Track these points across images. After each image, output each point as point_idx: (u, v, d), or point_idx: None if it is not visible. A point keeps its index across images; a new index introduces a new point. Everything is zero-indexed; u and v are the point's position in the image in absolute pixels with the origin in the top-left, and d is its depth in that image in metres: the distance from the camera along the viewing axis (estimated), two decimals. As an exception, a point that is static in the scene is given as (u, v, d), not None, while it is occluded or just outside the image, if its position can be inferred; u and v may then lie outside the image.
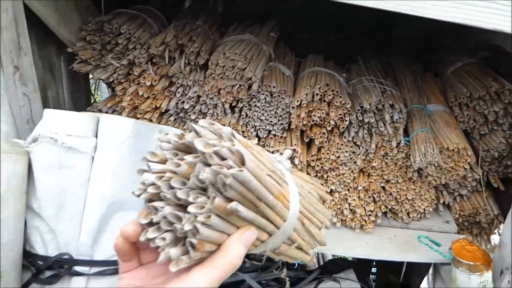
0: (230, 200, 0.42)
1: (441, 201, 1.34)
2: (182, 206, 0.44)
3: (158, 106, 1.21)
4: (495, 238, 1.44)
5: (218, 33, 1.36)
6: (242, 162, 0.44)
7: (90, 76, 1.24)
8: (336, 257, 2.38)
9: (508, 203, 1.11)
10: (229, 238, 0.44)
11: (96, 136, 0.94)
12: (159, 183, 0.45)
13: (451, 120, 1.31)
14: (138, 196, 0.48)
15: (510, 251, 1.05)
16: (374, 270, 2.45)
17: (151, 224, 0.45)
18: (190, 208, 0.42)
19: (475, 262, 1.05)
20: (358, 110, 1.20)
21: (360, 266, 2.22)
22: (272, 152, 0.56)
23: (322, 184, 1.23)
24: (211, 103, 1.20)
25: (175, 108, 1.21)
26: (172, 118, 1.23)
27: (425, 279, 1.58)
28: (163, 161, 0.48)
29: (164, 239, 0.44)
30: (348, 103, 1.18)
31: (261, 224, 0.48)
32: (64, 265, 0.89)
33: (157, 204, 0.45)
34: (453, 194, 1.34)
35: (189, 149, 0.49)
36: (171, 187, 0.44)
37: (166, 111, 1.22)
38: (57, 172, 0.89)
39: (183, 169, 0.45)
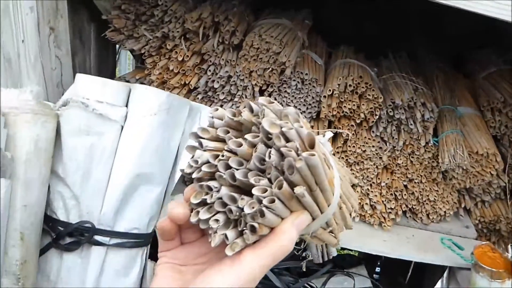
0: (292, 183, 0.41)
1: (462, 206, 1.32)
2: (236, 187, 0.43)
3: (187, 82, 1.19)
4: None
5: (252, 15, 1.33)
6: (311, 146, 0.42)
7: (122, 46, 1.21)
8: (344, 253, 2.37)
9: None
10: (283, 221, 0.42)
11: (127, 106, 0.92)
12: (215, 162, 0.44)
13: (482, 124, 1.28)
14: (189, 174, 0.46)
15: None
16: (378, 269, 2.44)
17: (200, 204, 0.44)
18: (254, 191, 0.40)
19: (497, 269, 1.03)
20: (390, 105, 1.17)
21: (366, 265, 2.22)
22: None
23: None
24: (241, 85, 1.18)
25: (204, 86, 1.19)
26: (200, 96, 1.21)
27: (438, 282, 1.57)
28: (214, 139, 0.46)
29: (217, 220, 0.43)
30: (380, 97, 1.15)
31: (313, 209, 0.46)
32: (84, 233, 0.89)
33: (212, 184, 0.44)
34: (475, 200, 1.32)
35: (240, 127, 0.47)
36: (228, 167, 0.43)
37: (195, 88, 1.20)
38: (85, 138, 0.88)
39: (244, 149, 0.43)
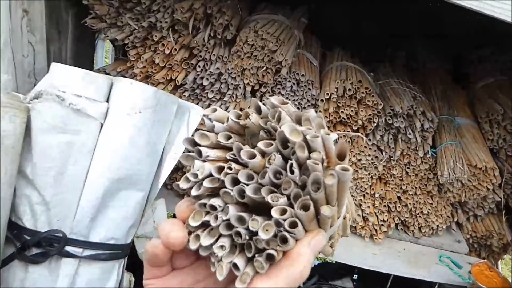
0: (313, 202, 0.34)
1: (455, 220, 1.27)
2: (242, 204, 0.36)
3: (173, 78, 1.09)
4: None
5: (246, 10, 1.25)
6: (342, 157, 0.35)
7: (104, 35, 1.11)
8: (322, 260, 2.31)
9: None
10: (299, 243, 0.35)
11: (108, 101, 0.83)
12: (220, 176, 0.36)
13: (479, 136, 1.24)
14: (186, 190, 0.38)
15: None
16: (355, 277, 2.40)
17: (200, 226, 0.37)
18: (274, 213, 0.33)
19: (494, 289, 0.98)
20: (389, 113, 1.11)
21: (344, 272, 2.16)
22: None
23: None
24: (232, 83, 1.10)
25: (192, 83, 1.10)
26: (186, 94, 1.11)
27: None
28: (214, 146, 0.39)
29: (223, 247, 0.35)
30: (380, 104, 1.09)
31: (327, 225, 0.39)
32: (54, 244, 0.78)
33: (215, 202, 0.36)
34: (467, 214, 1.28)
35: (243, 131, 0.40)
36: (236, 182, 0.36)
37: (182, 85, 1.11)
38: (59, 135, 0.78)
39: (257, 161, 0.36)
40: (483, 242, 1.29)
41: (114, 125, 0.80)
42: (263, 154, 0.37)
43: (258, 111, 0.40)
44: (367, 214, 1.17)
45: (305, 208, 0.35)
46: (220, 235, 0.37)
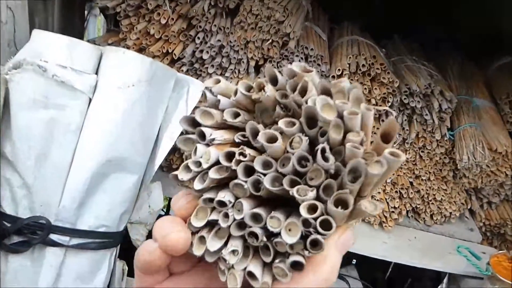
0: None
1: (469, 207, 1.20)
2: (255, 198, 0.29)
3: (170, 51, 1.00)
4: None
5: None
6: (388, 139, 0.27)
7: (94, 2, 1.01)
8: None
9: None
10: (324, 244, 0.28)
11: (97, 74, 0.73)
12: (229, 165, 0.29)
13: (498, 118, 1.15)
14: (186, 182, 0.30)
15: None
16: (354, 261, 2.35)
17: (204, 226, 0.30)
18: (303, 210, 0.26)
19: (514, 282, 0.92)
20: (405, 92, 1.03)
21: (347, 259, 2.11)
22: None
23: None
24: (234, 57, 1.00)
25: (190, 56, 1.01)
26: (184, 69, 1.02)
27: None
28: (219, 125, 0.31)
29: (235, 252, 0.28)
30: (396, 82, 1.00)
31: (356, 220, 0.31)
32: (37, 231, 0.70)
33: (223, 196, 0.28)
34: (481, 201, 1.20)
35: (252, 106, 0.32)
36: (249, 171, 0.28)
37: (179, 59, 1.01)
38: (42, 111, 0.69)
39: (279, 145, 0.28)
40: (496, 231, 1.22)
41: (104, 100, 0.71)
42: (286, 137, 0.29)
43: (274, 81, 0.31)
44: (377, 200, 1.09)
45: (342, 204, 0.27)
46: (230, 237, 0.29)
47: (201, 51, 1.00)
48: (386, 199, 1.11)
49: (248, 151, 0.29)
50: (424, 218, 1.17)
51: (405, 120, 1.06)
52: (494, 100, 1.21)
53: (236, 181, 0.28)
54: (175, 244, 0.28)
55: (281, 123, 0.29)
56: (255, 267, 0.28)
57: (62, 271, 0.73)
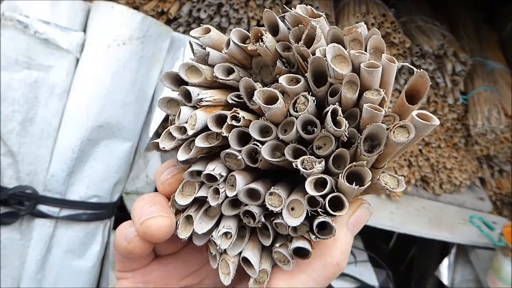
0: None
1: (479, 175, 1.16)
2: (249, 170, 0.25)
3: (165, 10, 0.93)
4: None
5: None
6: (416, 100, 0.24)
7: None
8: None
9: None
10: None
11: (85, 31, 0.67)
12: (219, 131, 0.24)
13: (513, 82, 1.09)
14: (166, 151, 0.25)
15: None
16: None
17: (192, 203, 0.26)
18: (309, 188, 0.22)
19: (530, 253, 0.88)
20: (416, 53, 0.96)
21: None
22: None
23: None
24: (234, 17, 0.94)
25: (187, 16, 0.94)
26: (181, 29, 0.95)
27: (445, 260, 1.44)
28: (209, 83, 0.27)
29: (227, 234, 0.25)
30: (408, 42, 0.93)
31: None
32: (25, 202, 0.66)
33: (213, 168, 0.24)
34: (493, 169, 1.16)
35: (248, 61, 0.27)
36: (244, 138, 0.24)
37: (175, 18, 0.95)
38: (24, 72, 0.64)
39: (280, 106, 0.22)
40: (506, 200, 1.18)
41: (92, 60, 0.65)
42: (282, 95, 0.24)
43: (274, 30, 0.26)
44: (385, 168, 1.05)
45: (356, 178, 0.22)
46: (222, 216, 0.24)
47: (199, 9, 0.93)
48: (394, 167, 1.06)
49: (242, 114, 0.23)
50: (433, 187, 1.12)
51: (416, 83, 1.00)
52: (510, 63, 1.14)
53: (228, 150, 0.24)
54: (155, 232, 0.23)
55: (282, 80, 0.23)
56: (251, 253, 0.24)
57: (52, 243, 0.69)
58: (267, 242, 0.24)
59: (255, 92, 0.23)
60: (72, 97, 0.65)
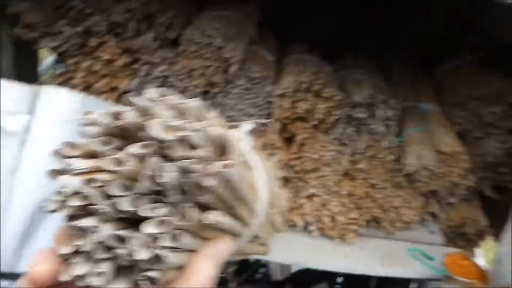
0: (203, 206, 0.31)
1: (428, 210, 1.22)
2: (125, 220, 0.31)
3: (117, 86, 1.02)
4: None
5: (194, 8, 1.18)
6: (224, 152, 0.32)
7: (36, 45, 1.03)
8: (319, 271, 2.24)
9: (501, 215, 1.01)
10: (195, 256, 0.32)
11: (32, 113, 0.75)
12: (87, 191, 0.31)
13: (446, 121, 1.19)
14: (53, 212, 0.32)
15: (510, 267, 0.94)
16: (339, 280, 2.33)
17: (75, 253, 0.31)
18: (148, 227, 0.29)
19: (469, 279, 0.93)
20: (348, 104, 1.06)
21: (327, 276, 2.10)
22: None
23: (300, 186, 1.09)
24: (180, 86, 1.03)
25: (137, 89, 1.03)
26: (133, 101, 1.04)
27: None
28: (89, 155, 0.33)
29: (101, 274, 0.30)
30: (338, 95, 1.03)
31: (234, 229, 0.35)
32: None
33: (86, 222, 0.30)
34: (441, 203, 1.23)
35: (126, 133, 0.34)
36: (108, 195, 0.31)
37: (126, 92, 1.04)
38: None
39: (130, 167, 0.30)
40: (458, 231, 1.24)
41: (38, 139, 0.72)
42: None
43: (138, 108, 0.34)
44: (335, 213, 1.11)
45: (190, 218, 0.30)
46: (96, 259, 0.30)
47: (147, 82, 1.03)
48: (344, 211, 1.13)
49: (104, 176, 0.30)
50: (385, 226, 1.18)
51: (353, 131, 1.09)
52: (443, 104, 1.25)
53: (95, 206, 0.30)
54: (38, 276, 0.29)
55: (133, 147, 0.31)
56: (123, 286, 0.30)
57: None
58: (136, 277, 0.30)
59: (109, 158, 0.31)
60: (19, 174, 0.72)
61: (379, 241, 1.19)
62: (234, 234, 0.36)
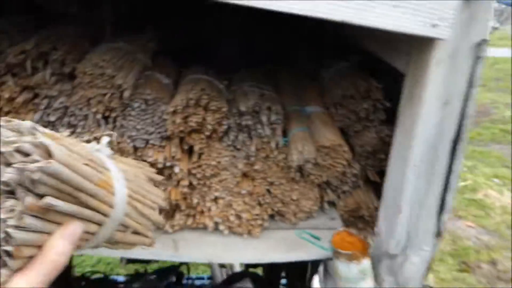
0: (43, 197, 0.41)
1: (326, 199, 1.38)
2: None
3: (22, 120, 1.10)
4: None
5: (88, 42, 1.29)
6: (50, 154, 0.42)
7: None
8: (244, 270, 2.35)
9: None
10: (51, 236, 0.41)
11: None
12: None
13: (328, 120, 1.36)
14: None
15: (385, 238, 1.10)
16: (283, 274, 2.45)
17: None
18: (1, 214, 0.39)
19: (352, 251, 1.08)
20: (236, 113, 1.20)
21: (268, 277, 2.22)
22: (88, 142, 0.54)
23: (205, 191, 1.21)
24: (80, 114, 1.13)
25: (40, 121, 1.12)
26: (37, 133, 1.13)
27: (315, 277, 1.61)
28: None
29: None
30: (225, 107, 1.17)
31: (86, 215, 0.46)
32: None
33: None
34: (336, 192, 1.38)
35: None
36: None
37: (30, 125, 1.12)
38: None
39: None
40: (355, 214, 1.40)
41: None
42: None
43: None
44: (239, 212, 1.24)
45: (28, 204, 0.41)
46: None
47: (48, 114, 1.12)
48: (247, 209, 1.25)
49: None
50: (289, 218, 1.32)
51: (245, 137, 1.23)
52: (326, 105, 1.42)
53: None
54: None
55: None
56: None
57: None
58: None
59: None
60: None
61: (284, 231, 1.32)
62: (94, 222, 0.47)
